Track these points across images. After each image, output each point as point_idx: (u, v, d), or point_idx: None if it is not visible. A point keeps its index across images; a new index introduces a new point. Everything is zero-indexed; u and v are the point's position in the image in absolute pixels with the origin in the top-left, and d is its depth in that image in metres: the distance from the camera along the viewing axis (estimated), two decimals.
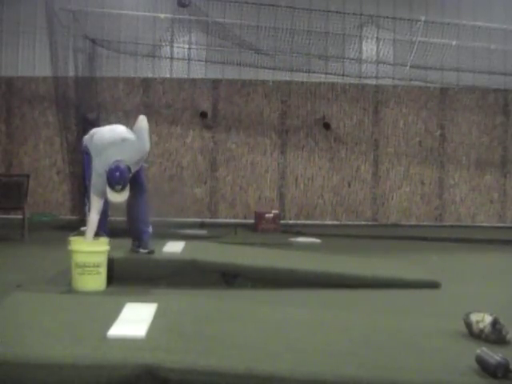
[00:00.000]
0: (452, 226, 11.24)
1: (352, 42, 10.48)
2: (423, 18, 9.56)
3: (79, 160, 7.60)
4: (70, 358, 2.61)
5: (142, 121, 5.19)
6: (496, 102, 11.58)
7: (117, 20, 10.70)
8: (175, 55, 11.14)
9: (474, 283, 5.74)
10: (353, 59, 10.37)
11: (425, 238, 9.24)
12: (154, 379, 2.54)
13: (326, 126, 11.42)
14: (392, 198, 11.57)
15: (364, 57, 10.64)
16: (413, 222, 11.46)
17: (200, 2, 9.60)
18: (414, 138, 11.59)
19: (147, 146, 5.12)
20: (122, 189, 4.77)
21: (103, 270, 4.78)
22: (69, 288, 4.71)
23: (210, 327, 3.21)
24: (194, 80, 11.37)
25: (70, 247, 4.77)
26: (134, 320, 3.16)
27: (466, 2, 11.43)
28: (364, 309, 4.46)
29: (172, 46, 10.98)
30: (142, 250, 5.33)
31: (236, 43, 9.84)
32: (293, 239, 8.90)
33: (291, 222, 11.19)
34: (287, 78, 11.21)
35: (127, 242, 5.46)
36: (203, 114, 11.33)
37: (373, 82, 11.14)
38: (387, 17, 9.99)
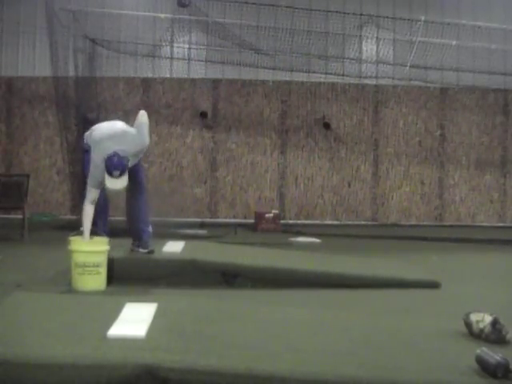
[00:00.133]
0: (452, 226, 11.25)
1: (352, 42, 10.49)
2: (423, 18, 9.56)
3: (79, 160, 7.60)
4: (70, 357, 2.61)
5: (143, 116, 5.22)
6: (496, 102, 11.58)
7: (117, 20, 10.70)
8: (175, 55, 11.14)
9: (473, 283, 5.73)
10: (353, 59, 10.37)
11: (425, 238, 9.24)
12: (154, 379, 2.54)
13: (326, 125, 11.43)
14: (392, 198, 11.57)
15: (364, 57, 10.64)
16: (413, 222, 11.46)
17: (200, 2, 9.60)
18: (413, 137, 11.59)
19: (147, 139, 5.14)
20: (121, 175, 4.77)
21: (103, 270, 4.77)
22: (69, 288, 4.71)
23: (210, 327, 3.21)
24: (193, 80, 11.37)
25: (69, 247, 4.77)
26: (134, 320, 3.16)
27: (466, 2, 11.43)
28: (364, 309, 4.45)
29: (172, 46, 10.98)
30: (141, 250, 5.33)
31: (236, 43, 9.84)
32: (293, 239, 8.90)
33: (291, 221, 11.19)
34: (287, 78, 11.22)
35: (127, 242, 5.46)
36: (203, 114, 11.33)
37: (373, 81, 11.15)
38: (387, 17, 9.99)
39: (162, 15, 10.08)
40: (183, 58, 11.16)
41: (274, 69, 10.39)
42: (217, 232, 9.25)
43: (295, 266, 5.54)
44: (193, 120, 11.40)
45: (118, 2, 11.16)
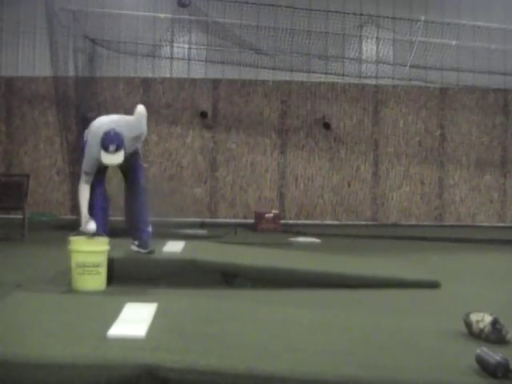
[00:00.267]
0: (452, 226, 11.25)
1: (352, 42, 10.48)
2: (423, 18, 9.57)
3: (79, 160, 7.59)
4: (70, 357, 2.61)
5: (141, 108, 5.28)
6: (496, 102, 11.58)
7: (117, 20, 10.71)
8: (175, 55, 11.15)
9: (473, 283, 5.73)
10: (353, 59, 10.37)
11: (425, 238, 9.23)
12: (154, 379, 2.53)
13: (326, 125, 11.43)
14: (392, 198, 11.57)
15: (364, 57, 10.64)
16: (413, 222, 11.46)
17: (200, 2, 9.61)
18: (413, 137, 11.59)
19: (144, 127, 5.20)
20: (117, 150, 4.78)
21: (103, 270, 4.77)
22: (69, 288, 4.71)
23: (210, 327, 3.21)
24: (194, 80, 11.37)
25: (69, 247, 4.77)
26: (134, 320, 3.16)
27: (466, 2, 11.43)
28: (364, 309, 4.46)
29: (172, 46, 10.98)
30: (141, 250, 5.32)
31: (236, 43, 9.85)
32: (293, 239, 8.90)
33: (291, 221, 11.19)
34: (287, 78, 11.22)
35: (127, 242, 5.45)
36: (203, 114, 11.33)
37: (373, 81, 11.15)
38: (387, 17, 10.00)
39: (162, 15, 10.09)
40: (183, 58, 11.17)
41: (274, 69, 10.39)
42: (217, 232, 9.25)
43: (295, 266, 5.54)
44: (193, 120, 11.41)
45: (117, 1, 11.17)
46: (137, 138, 5.19)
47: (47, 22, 9.30)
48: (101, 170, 5.15)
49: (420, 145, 11.59)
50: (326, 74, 10.54)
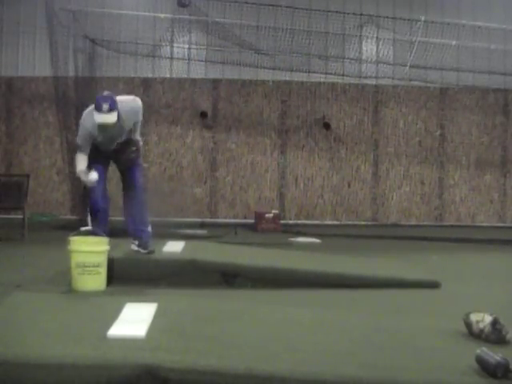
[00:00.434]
0: (452, 226, 11.25)
1: (352, 42, 10.48)
2: (423, 18, 9.56)
3: None
4: (70, 357, 2.61)
5: (139, 100, 5.36)
6: (496, 102, 11.58)
7: (117, 20, 10.70)
8: (175, 55, 11.15)
9: (473, 283, 5.73)
10: (353, 59, 10.37)
11: (425, 238, 9.24)
12: (154, 379, 2.54)
13: (326, 125, 11.43)
14: (392, 198, 11.57)
15: (364, 57, 10.65)
16: (413, 222, 11.46)
17: (200, 2, 9.61)
18: (413, 137, 11.59)
19: (140, 116, 5.23)
20: (110, 111, 4.77)
21: (103, 270, 4.76)
22: (69, 288, 4.70)
23: (210, 327, 3.21)
24: (194, 80, 11.37)
25: (69, 247, 4.76)
26: (134, 320, 3.16)
27: (466, 2, 11.43)
28: (364, 309, 4.45)
29: (172, 46, 10.98)
30: (141, 250, 5.32)
31: (236, 43, 9.85)
32: (293, 239, 8.90)
33: (291, 222, 11.19)
34: (287, 78, 11.22)
35: (127, 242, 5.45)
36: (203, 114, 11.33)
37: (373, 81, 11.15)
38: (387, 17, 10.00)
39: (162, 15, 10.09)
40: (183, 58, 11.17)
41: (273, 69, 10.40)
42: (217, 232, 9.25)
43: (295, 266, 5.53)
44: (193, 120, 11.40)
45: (117, 1, 11.17)
46: (131, 120, 5.15)
47: (47, 22, 9.31)
48: (99, 159, 5.17)
49: (420, 145, 11.60)
50: (325, 74, 10.55)
